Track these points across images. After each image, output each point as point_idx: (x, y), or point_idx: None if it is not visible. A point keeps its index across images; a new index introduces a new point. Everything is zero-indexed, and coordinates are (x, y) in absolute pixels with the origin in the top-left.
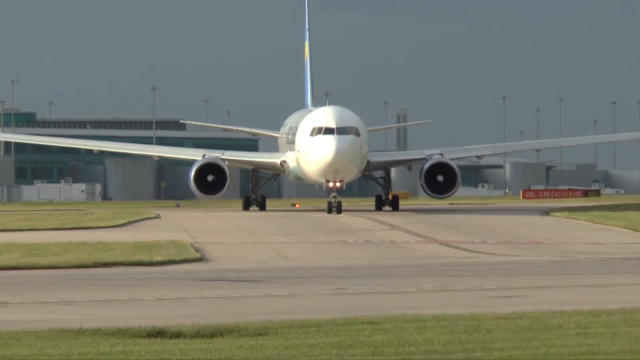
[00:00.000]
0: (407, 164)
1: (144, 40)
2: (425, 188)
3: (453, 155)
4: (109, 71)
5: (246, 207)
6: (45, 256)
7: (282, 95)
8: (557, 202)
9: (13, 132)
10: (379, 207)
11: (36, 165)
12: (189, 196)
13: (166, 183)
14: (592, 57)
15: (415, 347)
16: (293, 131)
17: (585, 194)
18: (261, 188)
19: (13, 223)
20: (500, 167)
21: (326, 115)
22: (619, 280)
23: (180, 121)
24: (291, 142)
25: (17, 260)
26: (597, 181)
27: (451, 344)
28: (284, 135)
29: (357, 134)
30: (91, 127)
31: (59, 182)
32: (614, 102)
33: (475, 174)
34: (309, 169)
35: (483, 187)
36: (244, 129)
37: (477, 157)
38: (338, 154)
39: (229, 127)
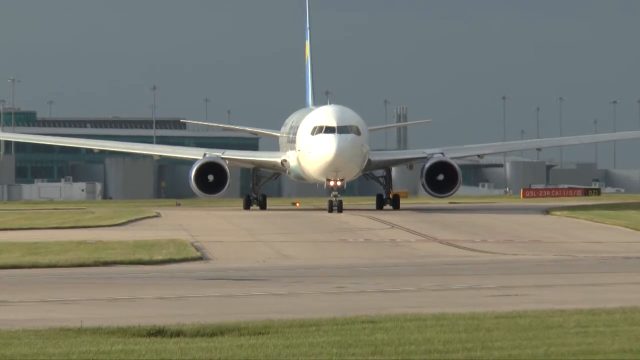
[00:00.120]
0: (408, 163)
1: (144, 40)
2: (426, 187)
3: (454, 154)
4: (109, 71)
5: (247, 206)
6: (46, 255)
7: (283, 95)
8: (557, 201)
9: (13, 131)
10: (379, 206)
11: (36, 165)
12: (189, 195)
13: (166, 182)
14: (592, 57)
15: (415, 346)
16: (294, 130)
17: (586, 193)
18: (262, 187)
19: (13, 222)
20: (501, 166)
21: (327, 114)
22: (619, 279)
23: (181, 120)
24: (292, 141)
25: (17, 259)
26: (597, 180)
27: (451, 343)
28: (284, 135)
29: (358, 132)
30: (91, 127)
31: (59, 181)
32: (614, 102)
33: (476, 173)
34: (309, 167)
35: (483, 186)
36: (245, 128)
37: (478, 156)
38: (339, 153)
39: (230, 127)
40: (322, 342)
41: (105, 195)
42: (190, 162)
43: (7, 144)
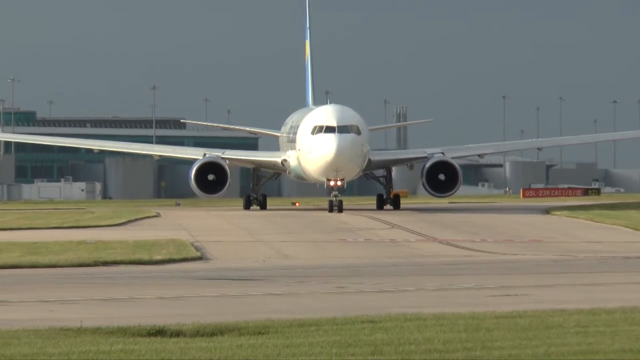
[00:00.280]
0: (409, 162)
1: (144, 40)
2: (427, 187)
3: (454, 154)
4: (109, 71)
5: (247, 206)
6: (45, 255)
7: (283, 95)
8: (557, 201)
9: (13, 131)
10: (380, 205)
11: (36, 164)
12: (189, 195)
13: (166, 182)
14: (592, 57)
15: (415, 346)
16: (294, 130)
17: (586, 192)
18: (262, 187)
19: (13, 222)
20: (501, 165)
21: (327, 114)
22: (619, 279)
23: (181, 120)
24: (292, 141)
25: (17, 259)
26: (597, 180)
27: (451, 342)
28: (284, 134)
29: (358, 132)
30: (91, 126)
31: (59, 181)
32: (614, 101)
33: (476, 173)
34: (310, 167)
35: (483, 185)
36: (245, 128)
37: (479, 155)
38: (339, 153)
39: (230, 127)
40: (321, 341)
41: (105, 195)
42: (190, 162)
43: (7, 143)
